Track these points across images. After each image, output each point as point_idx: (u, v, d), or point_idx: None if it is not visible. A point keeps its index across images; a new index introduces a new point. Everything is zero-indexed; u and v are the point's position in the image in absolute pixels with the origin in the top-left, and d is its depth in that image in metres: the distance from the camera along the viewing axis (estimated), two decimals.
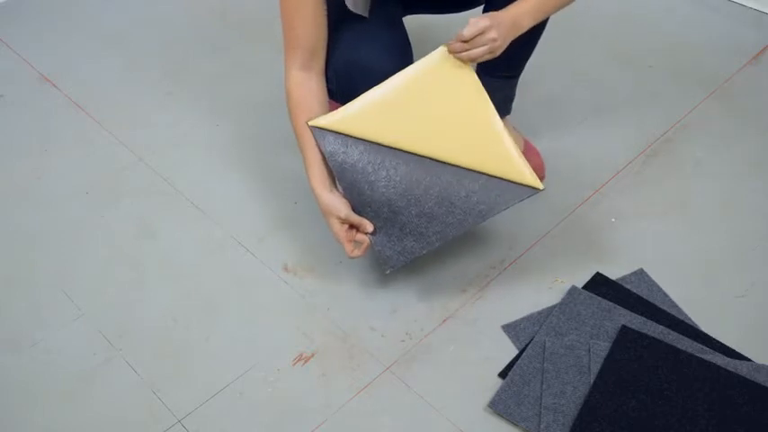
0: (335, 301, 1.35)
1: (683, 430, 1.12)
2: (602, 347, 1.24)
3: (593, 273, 1.38)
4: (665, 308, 1.32)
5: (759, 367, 1.21)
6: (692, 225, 1.49)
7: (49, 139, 1.71)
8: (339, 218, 1.23)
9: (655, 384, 1.18)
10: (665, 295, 1.34)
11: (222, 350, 1.28)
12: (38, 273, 1.41)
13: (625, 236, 1.46)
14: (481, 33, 1.18)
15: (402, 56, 1.33)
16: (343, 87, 1.32)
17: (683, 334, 1.26)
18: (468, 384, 1.22)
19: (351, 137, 1.24)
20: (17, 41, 2.01)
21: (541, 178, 1.56)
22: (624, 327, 1.26)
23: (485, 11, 1.41)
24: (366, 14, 1.29)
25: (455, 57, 1.21)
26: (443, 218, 1.24)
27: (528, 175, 1.24)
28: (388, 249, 1.25)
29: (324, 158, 1.25)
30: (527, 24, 1.23)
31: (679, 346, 1.23)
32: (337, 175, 1.25)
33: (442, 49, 1.23)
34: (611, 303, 1.31)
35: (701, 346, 1.24)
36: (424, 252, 1.25)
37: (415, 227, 1.24)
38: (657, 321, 1.28)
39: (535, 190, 1.24)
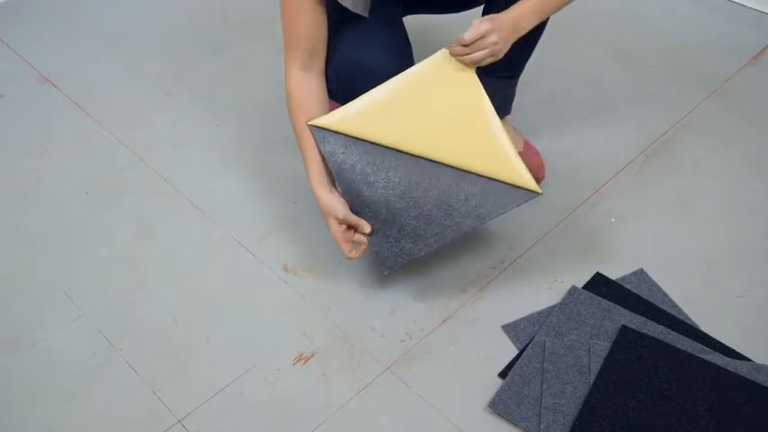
0: (335, 301, 1.35)
1: (682, 430, 1.12)
2: (602, 347, 1.24)
3: (593, 273, 1.38)
4: (665, 308, 1.32)
5: (759, 367, 1.21)
6: (692, 225, 1.49)
7: (49, 139, 1.71)
8: (337, 218, 1.23)
9: (655, 384, 1.18)
10: (665, 295, 1.34)
11: (222, 350, 1.28)
12: (38, 273, 1.41)
13: (625, 236, 1.46)
14: (482, 37, 1.18)
15: (402, 56, 1.33)
16: (343, 87, 1.32)
17: (683, 334, 1.26)
18: (468, 384, 1.22)
19: (350, 137, 1.24)
20: (17, 41, 2.01)
21: (541, 178, 1.56)
22: (624, 327, 1.26)
23: (485, 11, 1.41)
24: (366, 14, 1.29)
25: (457, 60, 1.22)
26: (442, 220, 1.24)
27: (527, 179, 1.24)
28: (385, 250, 1.25)
29: (323, 158, 1.25)
30: (528, 25, 1.23)
31: (679, 346, 1.23)
32: (336, 175, 1.25)
33: (443, 52, 1.23)
34: (611, 303, 1.31)
35: (701, 346, 1.24)
36: (422, 254, 1.25)
37: (413, 228, 1.24)
38: (657, 321, 1.28)
39: (534, 194, 1.24)
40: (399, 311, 1.33)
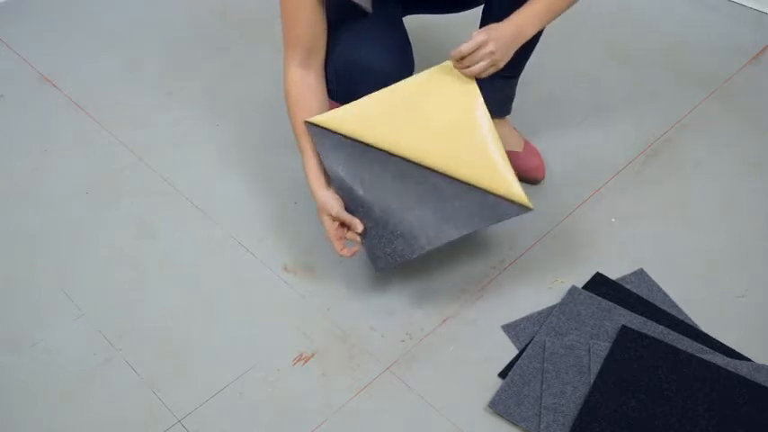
0: (335, 301, 1.35)
1: (683, 430, 1.12)
2: (602, 347, 1.24)
3: (594, 273, 1.38)
4: (665, 308, 1.32)
5: (759, 367, 1.21)
6: (692, 225, 1.49)
7: (49, 139, 1.71)
8: (330, 215, 1.23)
9: (655, 384, 1.18)
10: (665, 295, 1.34)
11: (222, 350, 1.28)
12: (38, 273, 1.41)
13: (625, 236, 1.46)
14: (478, 48, 1.19)
15: (402, 56, 1.33)
16: (343, 87, 1.32)
17: (683, 334, 1.26)
18: (468, 384, 1.22)
19: (346, 137, 1.24)
20: (17, 41, 2.01)
21: (541, 178, 1.56)
22: (624, 327, 1.26)
23: (484, 11, 1.41)
24: (369, 9, 1.29)
25: (459, 71, 1.22)
26: (436, 224, 1.23)
27: (518, 194, 1.23)
28: (377, 250, 1.24)
29: (319, 156, 1.25)
30: (531, 32, 1.24)
31: (679, 346, 1.23)
32: (330, 173, 1.24)
33: (447, 63, 1.24)
34: (611, 303, 1.31)
35: (701, 346, 1.24)
36: (414, 256, 1.23)
37: (406, 230, 1.23)
38: (657, 321, 1.28)
39: (525, 209, 1.24)
40: (399, 311, 1.33)
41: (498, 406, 1.17)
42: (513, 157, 1.57)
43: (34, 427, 1.17)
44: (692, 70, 1.88)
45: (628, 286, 1.35)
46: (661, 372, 1.19)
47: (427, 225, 1.23)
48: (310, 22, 1.24)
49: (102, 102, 1.81)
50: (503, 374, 1.23)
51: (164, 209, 1.53)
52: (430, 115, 1.24)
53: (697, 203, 1.54)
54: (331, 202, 1.23)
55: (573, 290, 1.34)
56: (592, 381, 1.19)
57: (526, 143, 1.59)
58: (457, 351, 1.27)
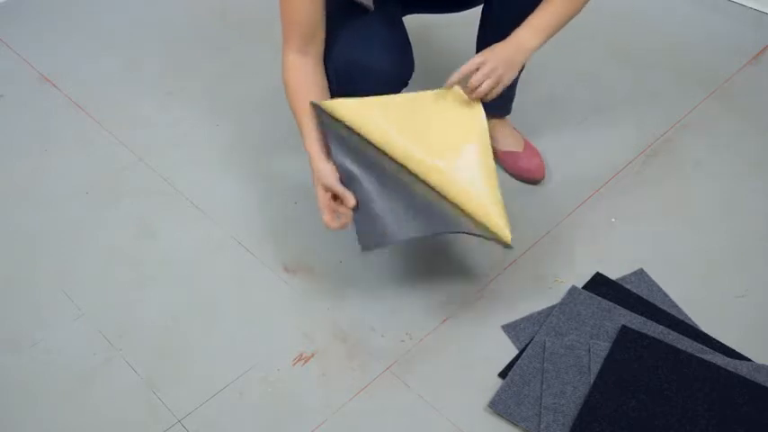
0: (335, 301, 1.35)
1: (682, 430, 1.12)
2: (602, 347, 1.24)
3: (594, 273, 1.38)
4: (665, 308, 1.32)
5: (759, 367, 1.21)
6: (692, 225, 1.49)
7: (49, 139, 1.71)
8: (324, 185, 1.21)
9: (655, 384, 1.18)
10: (665, 295, 1.34)
11: (222, 350, 1.28)
12: (38, 273, 1.41)
13: (625, 236, 1.46)
14: (478, 68, 1.22)
15: (402, 56, 1.33)
16: (343, 87, 1.32)
17: (683, 334, 1.26)
18: (468, 384, 1.22)
19: (348, 129, 1.23)
20: (17, 41, 2.01)
21: (541, 178, 1.56)
22: (624, 327, 1.26)
23: (484, 11, 1.41)
24: (371, 5, 1.29)
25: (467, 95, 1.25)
26: (427, 214, 1.20)
27: (501, 229, 1.22)
28: (366, 227, 1.20)
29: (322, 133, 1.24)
30: (532, 44, 1.25)
31: (679, 346, 1.23)
32: (332, 146, 1.22)
33: (457, 88, 1.25)
34: (611, 303, 1.31)
35: (701, 346, 1.24)
36: (403, 240, 1.20)
37: (399, 214, 1.20)
38: (657, 321, 1.28)
39: (505, 245, 1.23)
40: (399, 311, 1.33)
41: (498, 406, 1.17)
42: (513, 157, 1.57)
43: (34, 427, 1.17)
44: (692, 70, 1.88)
45: (628, 286, 1.35)
46: (661, 372, 1.19)
47: (420, 215, 1.20)
48: (308, 9, 1.24)
49: (102, 102, 1.81)
50: (503, 374, 1.23)
51: (164, 209, 1.53)
52: (430, 131, 1.24)
53: (697, 203, 1.54)
54: (327, 172, 1.21)
55: (573, 290, 1.34)
56: (592, 381, 1.19)
57: (526, 143, 1.59)
58: (457, 351, 1.27)
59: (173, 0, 2.17)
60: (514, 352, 1.26)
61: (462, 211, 1.22)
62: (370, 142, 1.23)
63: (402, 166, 1.24)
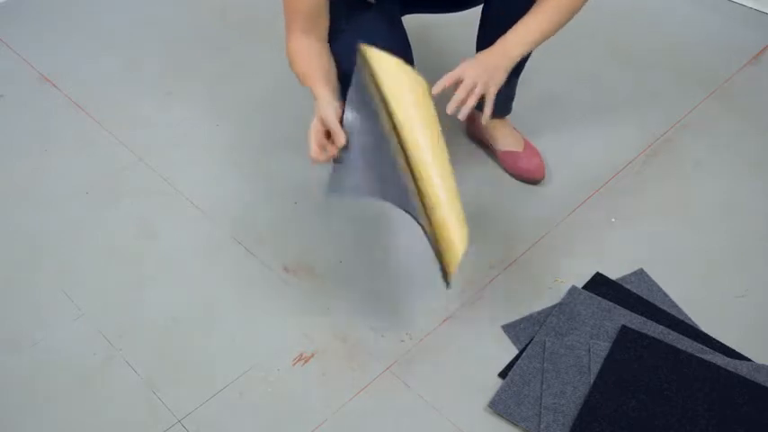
0: (335, 301, 1.35)
1: (683, 430, 1.12)
2: (602, 347, 1.24)
3: (594, 273, 1.38)
4: (665, 308, 1.32)
5: (759, 367, 1.21)
6: (692, 225, 1.49)
7: (49, 139, 1.71)
8: (322, 118, 1.17)
9: (655, 384, 1.18)
10: (665, 295, 1.34)
11: (222, 350, 1.28)
12: (38, 273, 1.41)
13: (625, 236, 1.46)
14: (459, 79, 1.20)
15: (402, 56, 1.33)
16: (343, 87, 1.31)
17: (683, 334, 1.26)
18: (468, 384, 1.22)
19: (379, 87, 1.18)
20: (17, 41, 2.01)
21: (541, 178, 1.56)
22: (624, 327, 1.26)
23: (484, 11, 1.41)
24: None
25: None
26: (402, 199, 1.15)
27: (451, 269, 1.14)
28: (342, 174, 1.15)
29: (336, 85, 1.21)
30: (517, 52, 1.24)
31: (679, 346, 1.23)
32: (351, 91, 1.18)
33: None
34: (611, 303, 1.31)
35: (701, 346, 1.24)
36: (370, 198, 1.15)
37: (378, 178, 1.15)
38: (657, 321, 1.28)
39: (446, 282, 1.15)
40: (399, 311, 1.33)
41: (498, 406, 1.17)
42: (513, 157, 1.57)
43: (34, 427, 1.17)
44: (692, 70, 1.88)
45: (628, 286, 1.35)
46: (661, 372, 1.19)
47: (398, 192, 1.15)
48: None
49: (102, 102, 1.81)
50: (503, 374, 1.23)
51: (164, 209, 1.53)
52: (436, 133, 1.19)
53: (697, 203, 1.54)
54: (330, 108, 1.17)
55: (573, 290, 1.34)
56: (592, 381, 1.19)
57: (526, 143, 1.59)
58: (457, 351, 1.27)
59: (173, 0, 2.17)
60: (514, 352, 1.26)
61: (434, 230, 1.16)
62: (389, 112, 1.17)
63: (403, 151, 1.19)
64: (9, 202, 1.55)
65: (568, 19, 1.27)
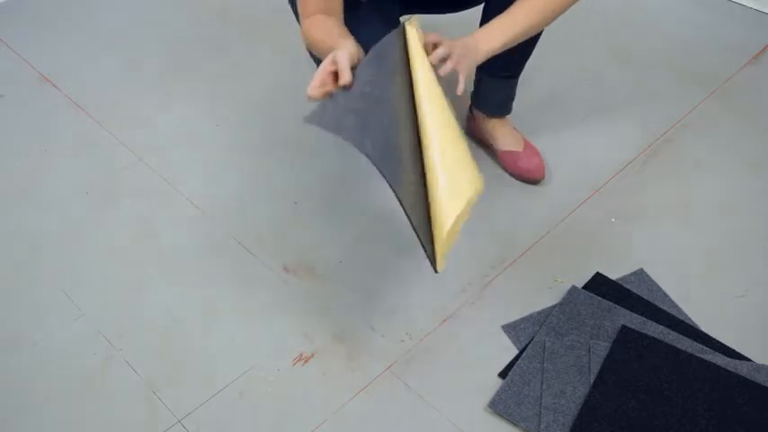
0: (335, 301, 1.35)
1: (682, 430, 1.12)
2: (602, 347, 1.24)
3: (593, 273, 1.38)
4: (665, 308, 1.32)
5: (759, 367, 1.21)
6: (692, 225, 1.49)
7: (49, 139, 1.71)
8: (335, 57, 1.09)
9: (655, 384, 1.18)
10: (665, 295, 1.34)
11: (222, 350, 1.28)
12: (38, 273, 1.41)
13: (625, 236, 1.46)
14: (437, 44, 1.14)
15: None
16: None
17: (683, 334, 1.26)
18: (468, 384, 1.22)
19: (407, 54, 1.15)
20: (17, 41, 2.01)
21: (541, 178, 1.56)
22: (624, 327, 1.26)
23: (484, 11, 1.41)
24: None
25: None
26: (388, 164, 1.10)
27: (439, 258, 1.12)
28: (331, 109, 1.10)
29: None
30: (487, 48, 1.19)
31: (679, 346, 1.23)
32: (376, 46, 1.12)
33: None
34: (611, 303, 1.31)
35: (701, 346, 1.24)
36: (344, 139, 1.07)
37: (364, 126, 1.10)
38: (657, 321, 1.28)
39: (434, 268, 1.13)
40: (399, 311, 1.33)
41: (498, 406, 1.17)
42: (513, 157, 1.57)
43: (34, 427, 1.17)
44: (692, 70, 1.88)
45: (628, 286, 1.35)
46: (661, 372, 1.19)
47: (385, 152, 1.10)
48: None
49: (102, 102, 1.81)
50: (503, 374, 1.23)
51: (164, 209, 1.53)
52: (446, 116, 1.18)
53: (697, 203, 1.54)
54: (345, 50, 1.10)
55: (573, 290, 1.34)
56: (592, 381, 1.19)
57: (526, 143, 1.59)
58: (457, 351, 1.27)
59: (173, 0, 2.17)
60: (514, 352, 1.26)
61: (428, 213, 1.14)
62: (410, 69, 1.15)
63: (409, 125, 1.15)
64: (9, 202, 1.55)
65: (548, 22, 1.24)
